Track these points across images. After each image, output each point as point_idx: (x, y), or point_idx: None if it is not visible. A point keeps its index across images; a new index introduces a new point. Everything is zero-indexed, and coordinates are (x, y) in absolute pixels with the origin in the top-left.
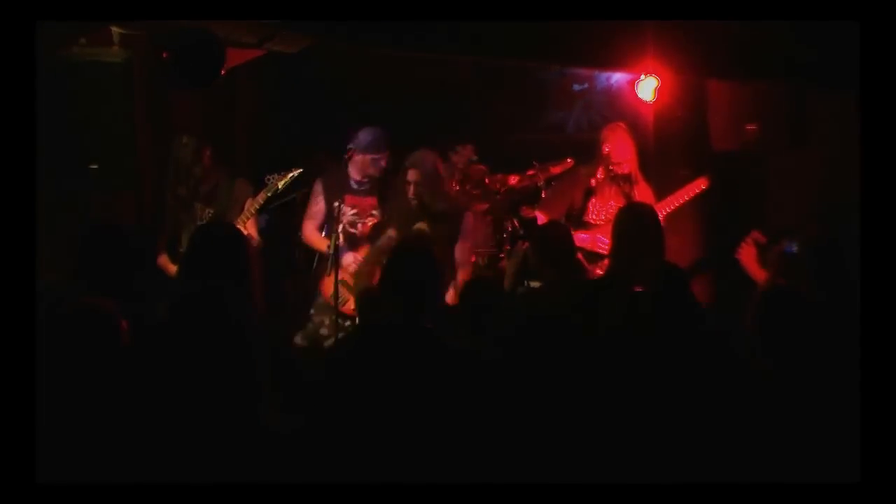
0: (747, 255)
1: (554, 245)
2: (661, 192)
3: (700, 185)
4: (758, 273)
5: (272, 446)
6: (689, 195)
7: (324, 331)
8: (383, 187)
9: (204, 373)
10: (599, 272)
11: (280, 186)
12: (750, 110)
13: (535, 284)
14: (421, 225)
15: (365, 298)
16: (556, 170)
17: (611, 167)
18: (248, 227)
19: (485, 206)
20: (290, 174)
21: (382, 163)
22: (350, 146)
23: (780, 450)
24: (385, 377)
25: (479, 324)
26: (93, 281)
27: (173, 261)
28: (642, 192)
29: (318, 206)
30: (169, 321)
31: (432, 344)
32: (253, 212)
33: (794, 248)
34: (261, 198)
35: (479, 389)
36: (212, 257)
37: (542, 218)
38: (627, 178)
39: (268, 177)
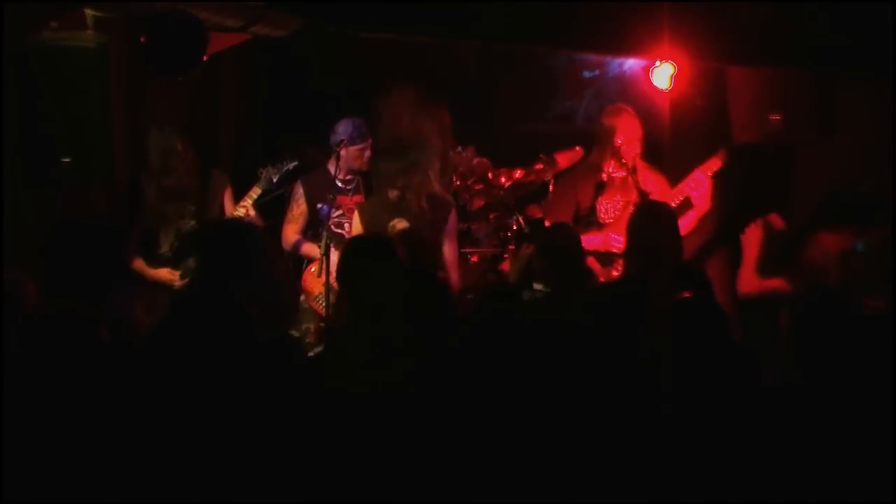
0: (751, 238)
1: (560, 251)
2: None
3: (715, 163)
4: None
5: (269, 464)
6: (706, 173)
7: (309, 339)
8: (368, 185)
9: (203, 383)
10: (615, 273)
11: (275, 179)
12: (774, 99)
13: (538, 287)
14: (401, 223)
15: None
16: (563, 161)
17: (623, 160)
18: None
19: (487, 203)
20: (286, 167)
21: (368, 152)
22: (339, 139)
23: (811, 468)
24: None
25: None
26: (62, 281)
27: (149, 263)
28: (652, 181)
29: (300, 208)
30: (172, 325)
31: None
32: (248, 205)
33: (862, 246)
34: (254, 192)
35: (479, 397)
36: (228, 256)
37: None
38: (632, 169)
39: (261, 169)
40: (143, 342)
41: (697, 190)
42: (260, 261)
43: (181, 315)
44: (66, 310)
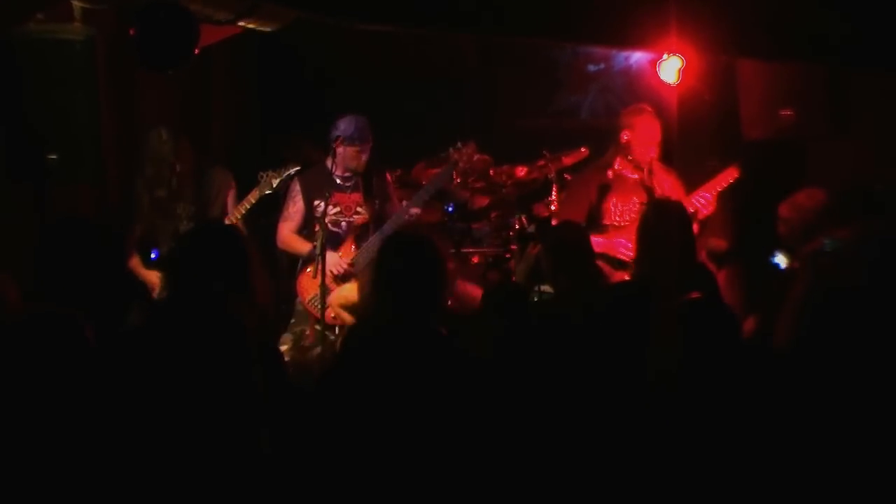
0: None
1: (568, 250)
2: (687, 185)
3: (731, 175)
4: None
5: (266, 477)
6: (719, 187)
7: (306, 342)
8: (368, 181)
9: (191, 391)
10: (627, 277)
11: (275, 185)
12: (785, 94)
13: (546, 289)
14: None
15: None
16: (568, 161)
17: (630, 157)
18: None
19: (489, 201)
20: (287, 172)
21: (364, 156)
22: (337, 135)
23: (826, 472)
24: (393, 391)
25: (501, 332)
26: (54, 282)
27: (146, 264)
28: (668, 184)
29: (296, 206)
30: (154, 330)
31: (447, 353)
32: (244, 211)
33: (830, 246)
34: (253, 196)
35: (496, 403)
36: (212, 261)
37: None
38: (649, 171)
39: (261, 173)
40: (126, 346)
41: (706, 208)
42: (246, 265)
43: (164, 321)
44: (49, 312)
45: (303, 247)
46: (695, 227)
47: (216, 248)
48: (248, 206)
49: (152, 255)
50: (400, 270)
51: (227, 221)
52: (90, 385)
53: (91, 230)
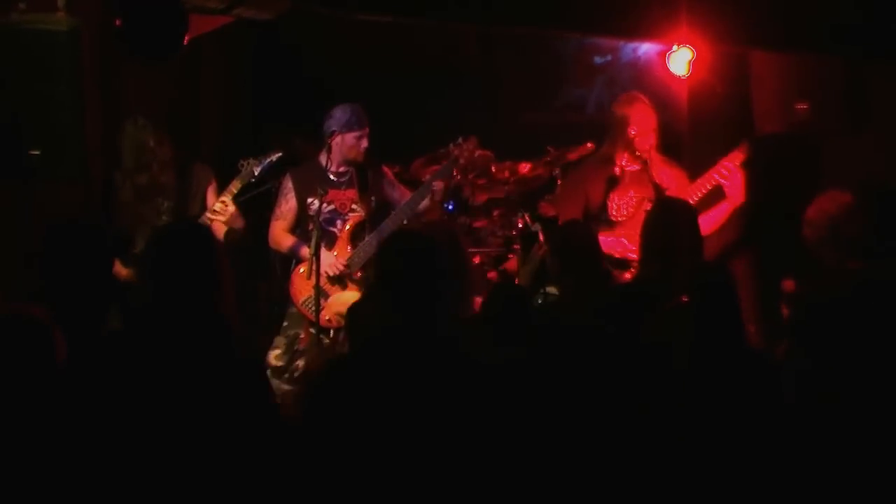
0: None
1: (576, 251)
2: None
3: (737, 157)
4: None
5: (260, 485)
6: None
7: (299, 346)
8: (363, 177)
9: (169, 397)
10: (629, 276)
11: (256, 173)
12: (800, 86)
13: (552, 290)
14: None
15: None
16: (573, 157)
17: (637, 152)
18: (229, 217)
19: (491, 199)
20: (268, 159)
21: (365, 142)
22: (332, 129)
23: (832, 481)
24: (392, 400)
25: (505, 334)
26: (57, 288)
27: (124, 264)
28: (668, 175)
29: (288, 204)
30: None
31: (450, 359)
32: (227, 201)
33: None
34: (234, 186)
35: (500, 409)
36: (180, 261)
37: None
38: (644, 161)
39: (242, 161)
40: (114, 351)
41: (730, 180)
42: (215, 265)
43: (142, 326)
44: (13, 314)
45: (296, 247)
46: (726, 207)
47: (180, 249)
48: (231, 196)
49: None
50: (400, 271)
51: (206, 216)
52: (54, 393)
53: (80, 233)
